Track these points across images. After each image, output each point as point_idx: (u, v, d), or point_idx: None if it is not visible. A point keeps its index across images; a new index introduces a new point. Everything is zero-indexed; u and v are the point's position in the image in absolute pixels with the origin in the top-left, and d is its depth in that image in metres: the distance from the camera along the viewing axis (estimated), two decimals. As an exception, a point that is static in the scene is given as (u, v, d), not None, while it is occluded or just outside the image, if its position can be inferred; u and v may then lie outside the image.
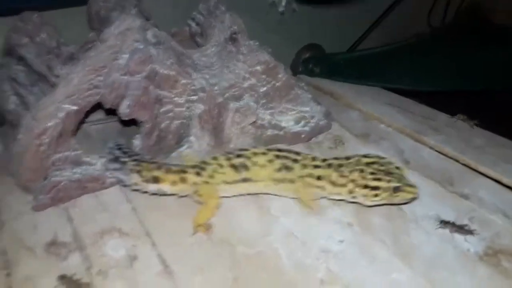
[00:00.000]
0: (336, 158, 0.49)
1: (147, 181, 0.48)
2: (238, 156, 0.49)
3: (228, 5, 0.66)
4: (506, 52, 0.90)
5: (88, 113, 0.52)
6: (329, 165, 0.48)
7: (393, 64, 0.87)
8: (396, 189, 0.44)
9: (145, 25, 0.53)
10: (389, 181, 0.45)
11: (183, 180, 0.48)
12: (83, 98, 0.49)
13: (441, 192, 0.53)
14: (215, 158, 0.49)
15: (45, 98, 0.49)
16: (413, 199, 0.47)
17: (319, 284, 0.40)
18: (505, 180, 0.54)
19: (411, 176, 0.50)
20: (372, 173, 0.45)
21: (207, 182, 0.48)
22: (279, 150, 0.50)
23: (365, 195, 0.46)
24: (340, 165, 0.47)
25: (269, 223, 0.48)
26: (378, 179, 0.45)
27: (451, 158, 0.60)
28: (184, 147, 0.57)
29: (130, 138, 0.55)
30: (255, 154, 0.48)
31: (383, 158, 0.48)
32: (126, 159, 0.49)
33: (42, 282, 0.41)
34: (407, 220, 0.48)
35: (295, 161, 0.48)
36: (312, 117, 0.64)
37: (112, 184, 0.53)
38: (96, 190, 0.52)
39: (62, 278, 0.41)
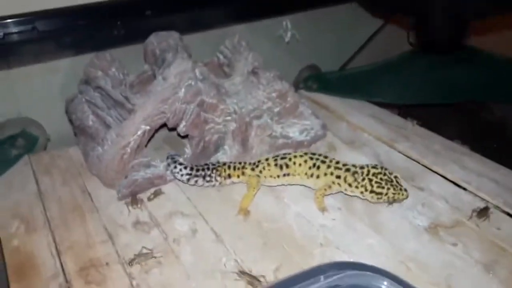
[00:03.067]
0: (353, 165, 0.68)
1: (225, 178, 0.70)
2: (282, 158, 0.70)
3: (247, 36, 0.86)
4: (472, 70, 1.11)
5: (156, 131, 0.72)
6: (347, 170, 0.67)
7: (376, 81, 1.08)
8: (392, 196, 0.65)
9: (194, 66, 0.73)
10: (388, 189, 0.65)
11: (243, 174, 0.70)
12: (154, 120, 0.70)
13: (405, 185, 0.74)
14: (266, 159, 0.70)
15: (127, 120, 0.69)
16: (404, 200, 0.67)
17: (319, 246, 0.62)
18: (449, 176, 0.76)
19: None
20: (377, 182, 0.65)
21: (258, 176, 0.69)
22: (313, 153, 0.70)
23: (372, 197, 0.66)
24: (355, 172, 0.66)
25: (284, 208, 0.69)
26: (382, 187, 0.65)
27: (414, 160, 0.81)
28: (220, 153, 0.78)
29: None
30: (295, 156, 0.69)
31: (386, 169, 0.67)
32: (205, 170, 0.70)
33: (136, 248, 0.62)
34: (379, 205, 0.70)
35: (323, 162, 0.68)
36: (312, 128, 0.85)
37: (170, 181, 0.74)
38: (160, 185, 0.73)
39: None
